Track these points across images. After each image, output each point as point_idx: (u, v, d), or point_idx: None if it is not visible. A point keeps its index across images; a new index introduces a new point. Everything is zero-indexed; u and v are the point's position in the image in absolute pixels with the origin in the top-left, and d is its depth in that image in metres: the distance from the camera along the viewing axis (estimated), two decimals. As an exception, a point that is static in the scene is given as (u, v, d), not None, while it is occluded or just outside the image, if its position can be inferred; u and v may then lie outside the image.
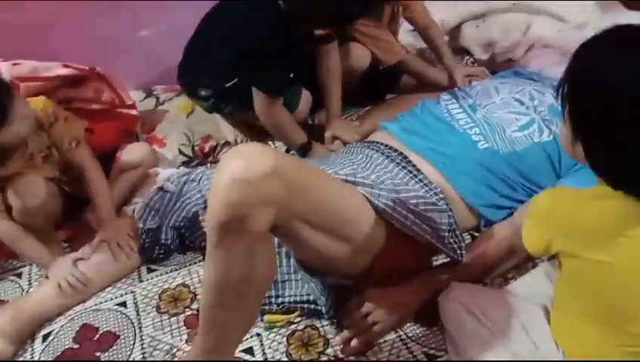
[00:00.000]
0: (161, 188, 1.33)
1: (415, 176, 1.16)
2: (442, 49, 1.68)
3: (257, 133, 1.64)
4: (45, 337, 1.20)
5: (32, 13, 1.51)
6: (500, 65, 1.79)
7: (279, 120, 1.46)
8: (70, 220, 1.43)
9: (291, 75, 1.48)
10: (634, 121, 0.72)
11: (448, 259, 1.16)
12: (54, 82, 1.43)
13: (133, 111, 1.60)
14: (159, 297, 1.25)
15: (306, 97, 1.56)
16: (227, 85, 1.50)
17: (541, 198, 0.90)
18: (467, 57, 1.92)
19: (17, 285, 1.34)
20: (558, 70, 1.55)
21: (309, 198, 0.91)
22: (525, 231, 0.90)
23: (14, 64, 1.39)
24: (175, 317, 1.21)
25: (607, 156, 0.76)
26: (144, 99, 1.76)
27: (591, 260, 0.80)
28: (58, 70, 1.43)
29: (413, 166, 1.18)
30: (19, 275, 1.36)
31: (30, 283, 1.34)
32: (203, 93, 1.55)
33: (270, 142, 1.61)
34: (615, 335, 0.82)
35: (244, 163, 0.81)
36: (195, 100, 1.62)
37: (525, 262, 1.19)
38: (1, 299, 1.31)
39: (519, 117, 1.26)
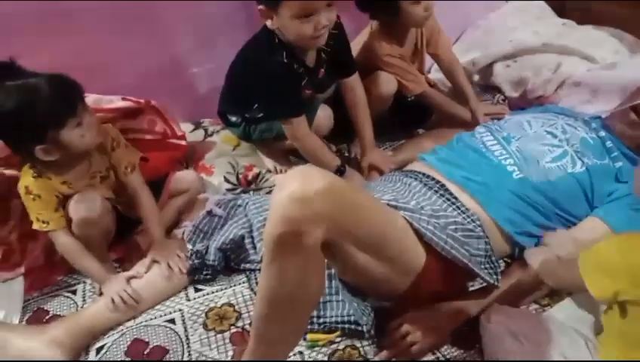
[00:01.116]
0: (209, 212, 1.41)
1: (453, 203, 1.22)
2: (465, 86, 1.76)
3: (291, 164, 1.73)
4: (99, 350, 1.26)
5: (94, 51, 1.64)
6: (531, 101, 1.86)
7: (309, 142, 1.53)
8: (120, 241, 1.50)
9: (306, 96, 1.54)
10: None
11: (484, 285, 1.20)
12: (114, 113, 1.54)
13: (183, 142, 1.70)
14: (206, 315, 1.31)
15: (325, 112, 1.63)
16: (250, 114, 1.62)
17: (607, 248, 0.93)
18: (498, 95, 1.99)
19: (72, 301, 1.41)
20: (588, 107, 1.64)
21: (358, 218, 0.98)
22: (592, 282, 0.92)
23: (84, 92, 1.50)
24: (221, 334, 1.26)
25: None
26: (193, 130, 1.87)
27: None
28: (118, 103, 1.54)
29: (451, 194, 1.24)
30: (73, 292, 1.43)
31: (84, 300, 1.41)
32: (233, 119, 1.68)
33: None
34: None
35: (301, 182, 0.88)
36: (229, 128, 1.73)
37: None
38: (57, 313, 1.38)
39: (552, 149, 1.31)
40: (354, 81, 1.61)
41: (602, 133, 1.37)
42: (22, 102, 1.16)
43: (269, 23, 1.38)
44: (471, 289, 1.26)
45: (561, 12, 2.17)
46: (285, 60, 1.43)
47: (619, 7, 1.96)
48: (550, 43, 1.89)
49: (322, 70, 1.56)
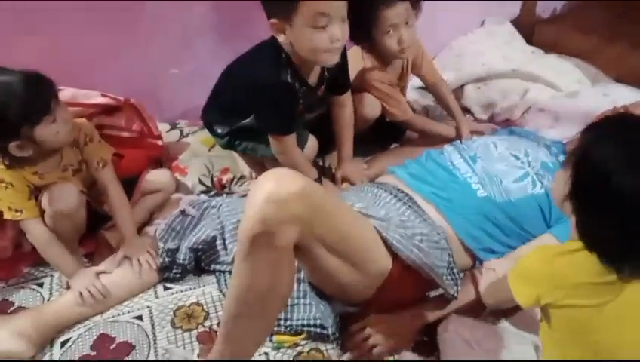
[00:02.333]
0: (183, 212, 1.43)
1: (420, 215, 1.28)
2: (452, 105, 1.81)
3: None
4: (64, 343, 1.26)
5: (73, 48, 1.65)
6: (498, 124, 1.94)
7: (293, 157, 1.52)
8: (90, 236, 1.50)
9: (298, 112, 1.54)
10: (611, 202, 0.84)
11: (442, 293, 1.24)
12: (91, 109, 1.55)
13: (160, 142, 1.71)
14: (174, 313, 1.33)
15: (312, 144, 1.64)
16: (238, 125, 1.60)
17: (529, 259, 1.00)
18: (467, 116, 2.07)
19: (39, 294, 1.41)
20: (550, 132, 1.73)
21: (330, 222, 1.02)
22: (516, 289, 0.99)
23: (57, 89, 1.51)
24: (188, 333, 1.28)
25: (586, 222, 0.89)
26: (169, 130, 1.88)
27: (577, 306, 0.91)
28: (96, 98, 1.55)
29: (418, 206, 1.30)
30: (40, 285, 1.43)
31: (51, 293, 1.40)
32: (219, 130, 1.68)
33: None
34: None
35: (276, 183, 0.92)
36: (213, 137, 1.75)
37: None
38: (22, 306, 1.37)
39: (515, 170, 1.38)
40: (346, 98, 1.62)
41: (562, 158, 1.45)
42: None
43: (281, 37, 1.35)
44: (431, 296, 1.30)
45: (529, 39, 2.28)
46: (289, 80, 1.42)
47: (583, 40, 2.08)
48: (519, 69, 1.99)
49: (322, 88, 1.55)
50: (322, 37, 1.30)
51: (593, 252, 0.88)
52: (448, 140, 1.69)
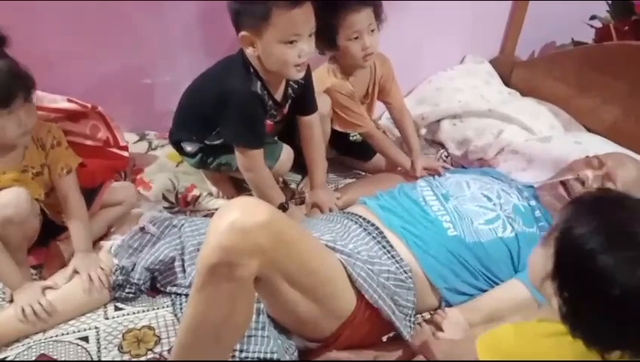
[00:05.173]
0: (142, 229, 1.37)
1: (388, 251, 1.25)
2: (411, 137, 1.81)
3: (238, 190, 1.72)
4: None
5: (45, 49, 1.58)
6: (471, 162, 1.94)
7: (260, 176, 1.49)
8: (42, 246, 1.43)
9: (267, 128, 1.54)
10: (593, 286, 0.78)
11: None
12: (56, 114, 1.49)
13: (125, 153, 1.65)
14: (123, 336, 1.25)
15: (287, 152, 1.62)
16: (209, 140, 1.58)
17: (505, 332, 0.93)
18: (442, 151, 2.07)
19: (-23, 306, 1.32)
20: (523, 175, 1.73)
21: (293, 254, 0.98)
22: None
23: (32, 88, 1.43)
24: (136, 359, 1.21)
25: (574, 305, 0.81)
26: (137, 141, 1.82)
27: None
28: (62, 103, 1.49)
29: (387, 242, 1.27)
30: (-20, 297, 1.34)
31: (-8, 306, 1.32)
32: (189, 149, 1.63)
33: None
34: None
35: (242, 212, 0.88)
36: (183, 156, 1.69)
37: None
38: (-41, 318, 1.28)
39: (486, 211, 1.37)
40: (313, 119, 1.62)
41: (533, 202, 1.45)
42: None
43: (249, 50, 1.37)
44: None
45: (507, 81, 2.31)
46: (259, 92, 1.43)
47: (558, 86, 2.11)
48: (495, 110, 2.00)
49: (287, 105, 1.56)
50: (291, 52, 1.34)
51: (578, 337, 0.81)
52: (404, 172, 1.73)
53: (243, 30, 1.34)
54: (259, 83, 1.43)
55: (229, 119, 1.47)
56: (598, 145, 1.70)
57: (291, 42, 1.33)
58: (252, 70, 1.43)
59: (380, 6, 1.62)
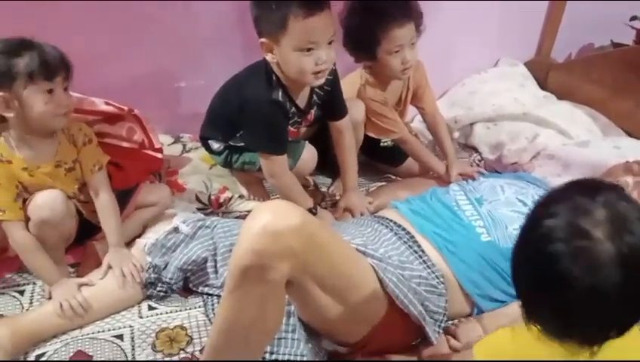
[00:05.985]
0: (175, 229, 1.39)
1: (420, 256, 1.23)
2: (445, 142, 1.79)
3: (267, 193, 1.73)
4: (38, 357, 1.21)
5: (82, 47, 1.62)
6: (505, 166, 1.90)
7: (285, 181, 1.51)
8: (79, 245, 1.46)
9: (291, 134, 1.55)
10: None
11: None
12: (94, 116, 1.52)
13: (160, 155, 1.67)
14: (156, 335, 1.28)
15: (309, 151, 1.61)
16: (233, 141, 1.60)
17: (503, 336, 0.91)
18: (475, 155, 2.04)
19: (18, 302, 1.36)
20: (558, 180, 1.69)
21: (326, 259, 0.98)
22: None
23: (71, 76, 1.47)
24: (169, 358, 1.23)
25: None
26: (172, 143, 1.85)
27: None
28: (100, 106, 1.52)
29: (419, 246, 1.26)
30: (21, 292, 1.38)
31: (31, 302, 1.36)
32: (215, 146, 1.66)
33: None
34: None
35: (274, 216, 0.88)
36: (210, 154, 1.72)
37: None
38: (0, 313, 1.32)
39: (521, 217, 1.33)
40: (344, 124, 1.61)
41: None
42: (12, 45, 1.18)
43: (269, 57, 1.37)
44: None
45: (543, 84, 2.26)
46: (281, 99, 1.43)
47: (595, 89, 2.06)
48: (530, 113, 1.96)
49: (312, 112, 1.56)
50: (308, 60, 1.33)
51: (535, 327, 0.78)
52: (438, 177, 1.70)
53: (263, 36, 1.35)
54: (280, 90, 1.43)
55: (250, 126, 1.49)
56: (639, 150, 1.65)
57: (308, 50, 1.31)
58: (274, 77, 1.42)
59: (421, 18, 1.60)
